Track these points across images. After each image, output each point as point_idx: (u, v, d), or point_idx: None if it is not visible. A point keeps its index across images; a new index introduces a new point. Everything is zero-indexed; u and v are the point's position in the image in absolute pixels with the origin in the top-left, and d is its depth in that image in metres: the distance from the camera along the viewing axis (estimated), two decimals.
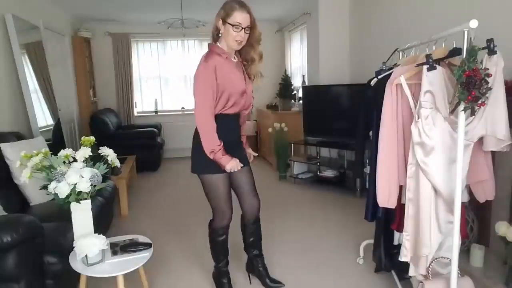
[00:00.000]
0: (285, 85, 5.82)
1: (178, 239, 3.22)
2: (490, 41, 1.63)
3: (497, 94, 1.66)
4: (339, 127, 4.54)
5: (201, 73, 1.94)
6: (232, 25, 1.88)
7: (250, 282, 2.45)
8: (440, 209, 1.82)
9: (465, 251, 2.23)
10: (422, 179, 1.79)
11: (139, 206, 4.18)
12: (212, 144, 1.96)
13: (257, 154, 2.49)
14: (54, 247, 2.08)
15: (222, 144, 1.99)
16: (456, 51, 1.77)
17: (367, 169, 2.40)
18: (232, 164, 2.01)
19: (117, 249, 2.01)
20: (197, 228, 3.44)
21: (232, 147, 2.07)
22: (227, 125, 2.05)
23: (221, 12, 1.93)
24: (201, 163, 2.07)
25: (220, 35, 1.97)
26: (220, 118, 2.00)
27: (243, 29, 1.90)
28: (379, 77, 2.20)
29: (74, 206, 1.91)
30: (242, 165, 2.07)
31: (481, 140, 1.80)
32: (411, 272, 1.95)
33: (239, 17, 1.88)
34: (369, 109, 2.22)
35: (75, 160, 1.98)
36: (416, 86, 1.89)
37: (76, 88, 5.70)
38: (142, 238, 2.15)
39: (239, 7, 1.88)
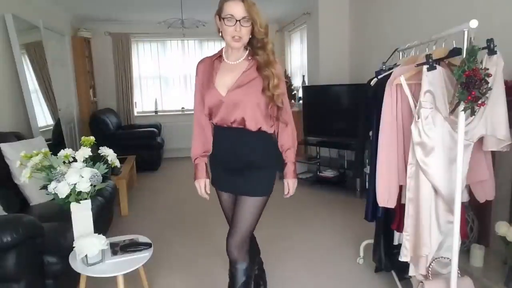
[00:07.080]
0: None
1: (178, 239, 3.22)
2: (490, 41, 1.63)
3: (497, 94, 1.66)
4: (339, 127, 4.53)
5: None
6: (224, 19, 1.54)
7: None
8: (440, 209, 1.82)
9: (465, 251, 2.24)
10: (422, 179, 1.79)
11: (139, 206, 4.18)
12: (192, 152, 1.78)
13: (291, 193, 2.00)
14: (54, 247, 2.08)
15: (202, 159, 1.77)
16: (456, 51, 1.77)
17: (367, 169, 2.40)
18: (196, 185, 1.81)
19: (117, 249, 2.00)
20: (197, 228, 3.45)
21: (230, 170, 1.72)
22: (220, 140, 1.74)
23: (218, 8, 1.60)
24: (212, 173, 1.84)
25: (221, 34, 1.62)
26: (215, 130, 1.75)
27: (238, 22, 1.52)
28: (379, 77, 2.20)
29: (74, 206, 1.91)
30: (206, 195, 1.80)
31: (481, 140, 1.80)
32: (411, 272, 1.95)
33: (230, 7, 1.52)
34: (369, 109, 2.22)
35: (75, 160, 1.97)
36: (416, 86, 1.89)
37: (76, 88, 5.70)
38: (142, 238, 2.15)
39: None
